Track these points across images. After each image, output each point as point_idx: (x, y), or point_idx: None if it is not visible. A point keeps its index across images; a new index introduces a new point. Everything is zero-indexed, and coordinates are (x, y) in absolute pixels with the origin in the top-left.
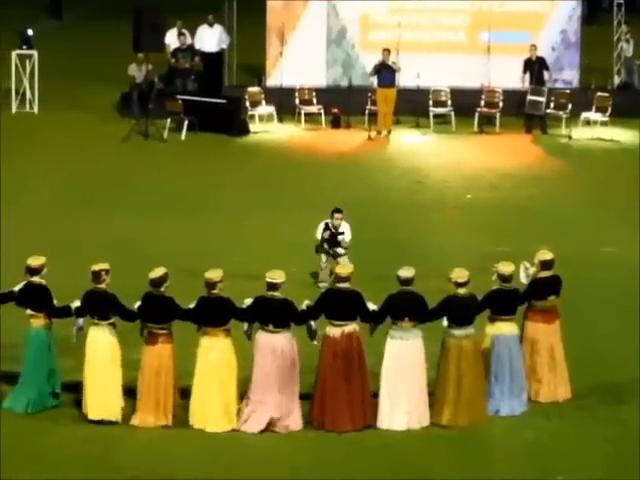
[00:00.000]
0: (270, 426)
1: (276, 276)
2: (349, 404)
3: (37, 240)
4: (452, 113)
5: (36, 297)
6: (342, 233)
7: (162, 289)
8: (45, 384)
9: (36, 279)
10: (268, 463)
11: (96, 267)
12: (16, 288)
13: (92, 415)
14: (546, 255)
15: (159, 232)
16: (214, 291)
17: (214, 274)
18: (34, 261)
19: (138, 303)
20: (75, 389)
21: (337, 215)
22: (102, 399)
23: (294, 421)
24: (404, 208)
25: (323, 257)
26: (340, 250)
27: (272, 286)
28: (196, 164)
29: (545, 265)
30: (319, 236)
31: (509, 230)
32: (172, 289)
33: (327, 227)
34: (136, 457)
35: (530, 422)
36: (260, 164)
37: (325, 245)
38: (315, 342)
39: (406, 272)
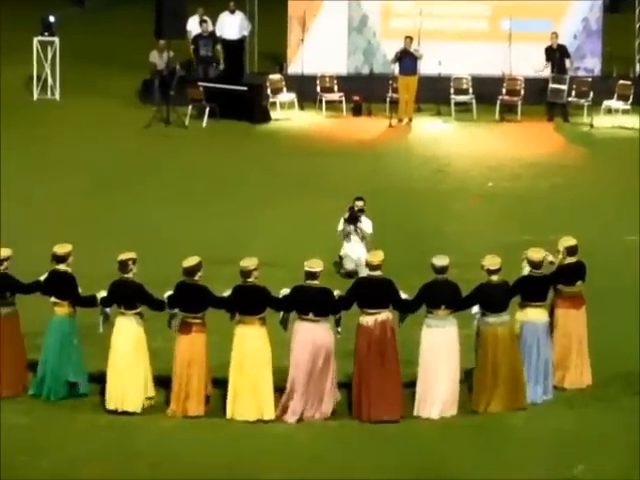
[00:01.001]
0: (306, 415)
1: (315, 265)
2: (384, 393)
3: (59, 227)
4: (473, 101)
5: (61, 285)
6: (362, 211)
7: (196, 278)
8: (67, 372)
9: (62, 267)
10: (289, 451)
11: (123, 257)
12: (42, 277)
13: (114, 405)
14: (570, 241)
15: (180, 219)
16: (249, 279)
17: (249, 262)
18: (60, 249)
19: (169, 292)
20: (98, 379)
21: (358, 203)
22: (126, 390)
23: (326, 409)
24: (425, 197)
25: (345, 245)
26: (360, 224)
27: (311, 275)
28: (217, 151)
29: (570, 251)
30: (339, 228)
31: (531, 219)
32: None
33: (345, 219)
34: (157, 444)
35: (554, 411)
36: (281, 151)
37: (346, 227)
38: (339, 330)
39: (441, 260)
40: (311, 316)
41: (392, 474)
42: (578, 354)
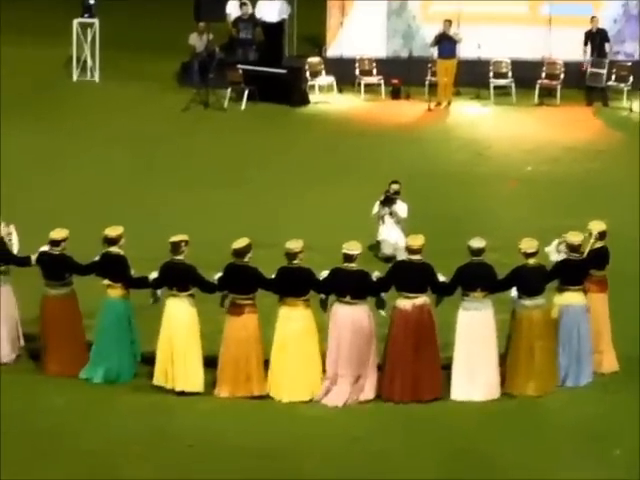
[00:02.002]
0: (351, 398)
1: (352, 247)
2: (419, 377)
3: (100, 209)
4: (512, 85)
5: (114, 267)
6: (398, 193)
7: (246, 259)
8: (123, 354)
9: (114, 249)
10: (326, 434)
11: (175, 238)
12: (95, 259)
13: (164, 382)
14: (602, 225)
15: (218, 202)
16: (295, 261)
17: (294, 244)
18: (112, 231)
19: (218, 274)
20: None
21: (394, 186)
22: (185, 370)
23: (368, 392)
24: (463, 180)
25: (382, 229)
26: (395, 207)
27: (349, 257)
28: (256, 134)
29: (602, 235)
30: (375, 211)
31: (569, 203)
32: (231, 259)
33: (380, 202)
34: (195, 426)
35: (589, 395)
36: (320, 135)
37: (381, 210)
38: (383, 313)
39: (478, 242)
40: (348, 299)
41: (428, 457)
42: (610, 338)
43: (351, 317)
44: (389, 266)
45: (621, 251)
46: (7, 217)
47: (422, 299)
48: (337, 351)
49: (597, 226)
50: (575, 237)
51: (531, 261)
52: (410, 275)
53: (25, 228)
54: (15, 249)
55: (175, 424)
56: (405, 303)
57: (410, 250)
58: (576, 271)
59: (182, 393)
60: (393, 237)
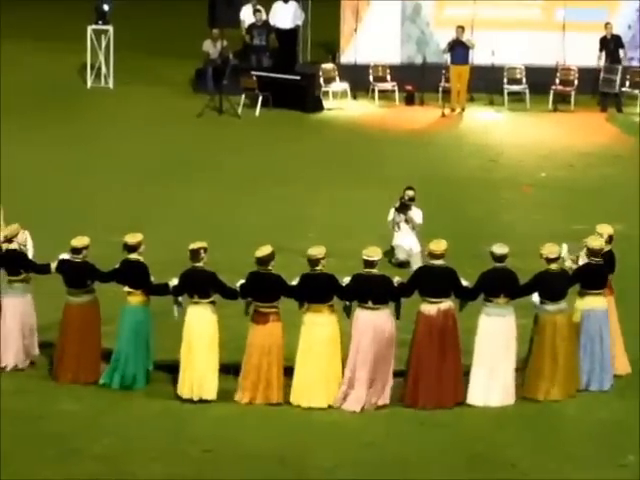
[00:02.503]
0: (369, 403)
1: (372, 253)
2: (443, 382)
3: (113, 215)
4: (527, 91)
5: (133, 274)
6: (413, 200)
7: (269, 267)
8: (141, 361)
9: (133, 256)
10: (341, 438)
11: (194, 245)
12: (116, 266)
13: (189, 394)
14: (610, 229)
15: (233, 207)
16: (317, 268)
17: (317, 251)
18: (131, 238)
19: (241, 281)
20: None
21: (409, 192)
22: (201, 378)
23: (384, 397)
24: (478, 186)
25: (397, 234)
26: (411, 214)
27: (369, 263)
28: (270, 140)
29: (611, 239)
30: (390, 217)
31: (583, 209)
32: (246, 264)
33: (396, 209)
34: (209, 431)
35: (604, 400)
36: (333, 141)
37: (396, 217)
38: (398, 318)
39: (500, 249)
40: (370, 304)
41: (443, 461)
42: (620, 341)
43: (373, 322)
44: (412, 271)
45: (636, 255)
46: (22, 223)
47: (447, 304)
48: (357, 355)
49: (607, 229)
50: (595, 242)
51: (553, 266)
52: (434, 280)
53: (40, 234)
54: (30, 255)
55: (190, 429)
56: (430, 308)
57: (433, 255)
58: (597, 275)
59: (196, 401)
60: (407, 243)
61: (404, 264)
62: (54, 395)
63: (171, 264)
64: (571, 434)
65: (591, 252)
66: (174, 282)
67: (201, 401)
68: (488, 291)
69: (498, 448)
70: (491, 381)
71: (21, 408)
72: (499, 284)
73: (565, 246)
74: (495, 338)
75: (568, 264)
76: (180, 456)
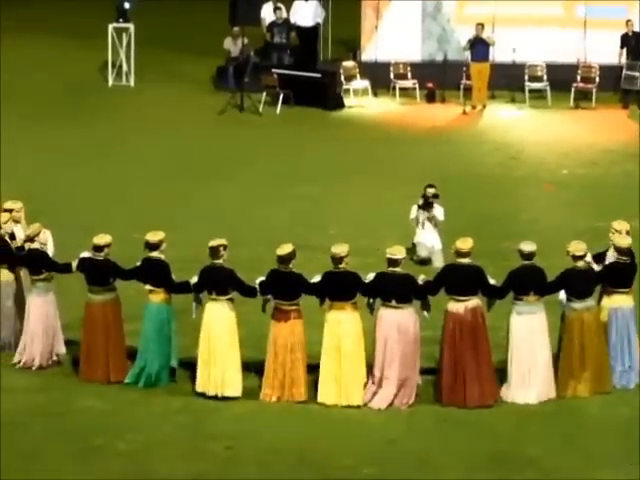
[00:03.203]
0: (397, 402)
1: (396, 252)
2: (478, 380)
3: (135, 213)
4: (548, 88)
5: (155, 272)
6: (437, 196)
7: (290, 265)
8: (166, 359)
9: (155, 254)
10: (362, 436)
11: (214, 243)
12: (137, 264)
13: (213, 391)
14: (626, 225)
15: (254, 204)
16: (341, 265)
17: (340, 249)
18: (153, 236)
19: (260, 278)
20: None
21: (430, 190)
22: (223, 375)
23: (410, 395)
24: (499, 183)
25: (419, 232)
26: (434, 211)
27: (393, 262)
28: (291, 138)
29: (628, 235)
30: (413, 215)
31: (605, 206)
32: (268, 262)
33: (419, 206)
34: (230, 428)
35: (627, 398)
36: (355, 138)
37: (420, 215)
38: (427, 316)
39: (529, 246)
40: (394, 303)
41: (465, 459)
42: None
43: (397, 321)
44: (434, 268)
45: None
46: (44, 222)
47: (474, 301)
48: (384, 354)
49: (623, 225)
50: (624, 240)
51: (580, 264)
52: (461, 278)
53: (63, 233)
54: (50, 255)
55: (212, 426)
56: (458, 306)
57: (459, 253)
58: (624, 274)
59: (220, 397)
60: (429, 240)
61: (426, 261)
62: (78, 392)
63: (194, 262)
64: (593, 432)
65: (618, 250)
66: (195, 280)
67: (225, 398)
68: (517, 289)
69: (520, 446)
70: (529, 378)
71: (45, 405)
72: (528, 282)
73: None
74: (527, 336)
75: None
76: (202, 453)
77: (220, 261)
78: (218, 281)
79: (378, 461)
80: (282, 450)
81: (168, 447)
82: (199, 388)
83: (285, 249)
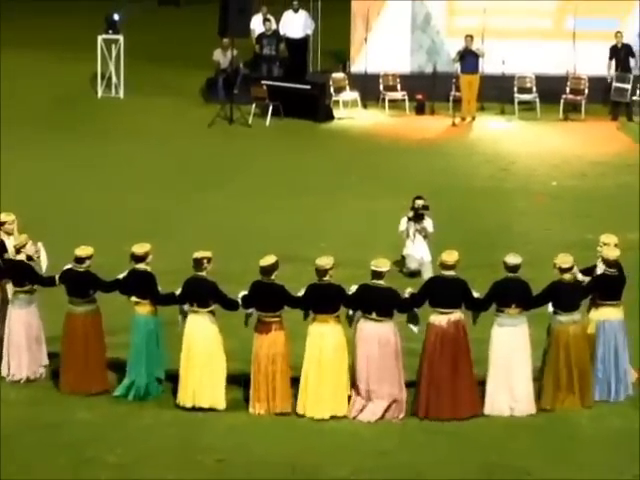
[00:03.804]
0: (386, 416)
1: (381, 264)
2: (456, 393)
3: (125, 224)
4: (537, 100)
5: (141, 284)
6: (427, 207)
7: (272, 277)
8: (153, 370)
9: (141, 266)
10: (354, 448)
11: (198, 255)
12: (121, 276)
13: (190, 402)
14: (615, 238)
15: (244, 217)
16: (325, 278)
17: (325, 261)
18: (139, 248)
19: (243, 292)
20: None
21: (418, 201)
22: (201, 386)
23: (400, 409)
24: (489, 195)
25: (408, 244)
26: (425, 223)
27: (377, 274)
28: (280, 150)
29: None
30: (402, 227)
31: (595, 218)
32: (258, 274)
33: (408, 218)
34: (222, 440)
35: (617, 410)
36: (344, 150)
37: (410, 227)
38: (415, 330)
39: (513, 259)
40: (374, 315)
41: (456, 472)
42: None
43: (377, 334)
44: (424, 282)
45: None
46: (34, 234)
47: (457, 314)
48: (367, 367)
49: (612, 239)
50: (611, 252)
51: (566, 276)
52: (444, 291)
53: (52, 245)
54: (43, 266)
55: (203, 438)
56: (440, 319)
57: (444, 266)
58: (613, 286)
59: (202, 409)
60: (418, 252)
61: (415, 274)
62: (68, 405)
63: (181, 274)
64: (584, 443)
65: (607, 263)
66: (178, 291)
67: (210, 410)
68: (499, 301)
69: (511, 457)
70: (508, 391)
71: (35, 418)
72: (511, 294)
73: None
74: (508, 348)
75: (580, 277)
76: (193, 465)
77: (203, 273)
78: (200, 293)
79: (369, 473)
80: (273, 462)
81: (158, 459)
82: (178, 401)
83: (268, 260)
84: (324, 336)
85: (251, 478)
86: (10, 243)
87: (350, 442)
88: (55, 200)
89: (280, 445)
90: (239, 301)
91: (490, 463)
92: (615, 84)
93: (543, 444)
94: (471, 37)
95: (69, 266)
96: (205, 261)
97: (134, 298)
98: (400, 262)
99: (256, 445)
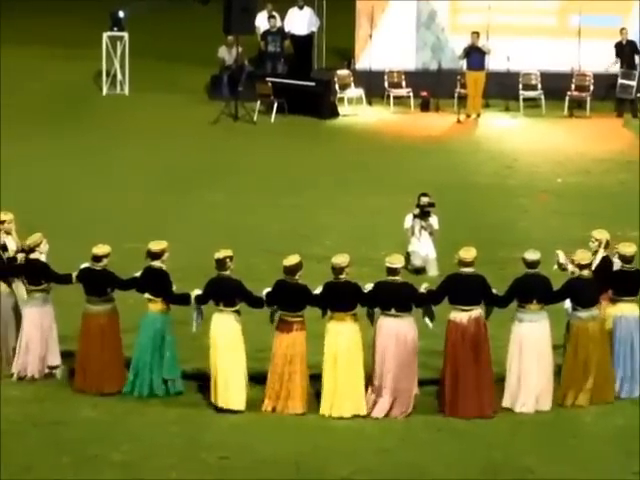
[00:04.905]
0: (395, 412)
1: (395, 260)
2: (480, 391)
3: (129, 223)
4: (542, 97)
5: (155, 282)
6: (433, 205)
7: (296, 277)
8: (159, 369)
9: (156, 264)
10: (358, 446)
11: (220, 254)
12: (137, 274)
13: (220, 403)
14: (606, 234)
15: (249, 214)
16: (341, 276)
17: (341, 259)
18: (155, 246)
19: (267, 289)
20: (193, 376)
21: (424, 199)
22: (227, 388)
23: (407, 405)
24: (493, 192)
25: (414, 241)
26: (431, 220)
27: (392, 271)
28: (285, 147)
29: (607, 245)
30: (408, 225)
31: (600, 215)
32: (262, 271)
33: (414, 215)
34: (225, 439)
35: (621, 408)
36: (349, 147)
37: (415, 224)
38: (431, 325)
39: (532, 255)
40: (393, 311)
41: (461, 469)
42: None
43: (396, 330)
44: (442, 278)
45: None
46: (35, 232)
47: (477, 311)
48: (382, 364)
49: (602, 235)
50: (628, 248)
51: (585, 272)
52: (464, 287)
53: (57, 243)
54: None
55: (207, 436)
56: (461, 316)
57: (463, 263)
58: (629, 282)
59: (223, 410)
60: (423, 249)
61: (420, 270)
62: (72, 403)
63: (186, 271)
64: (588, 442)
65: (623, 259)
66: (196, 292)
67: (229, 411)
68: (521, 297)
69: (515, 455)
70: (527, 388)
71: (40, 415)
72: (532, 290)
73: (561, 253)
74: (528, 344)
75: (570, 269)
76: (197, 463)
77: (227, 272)
78: (226, 292)
79: (373, 471)
80: (277, 461)
81: (163, 457)
82: (212, 399)
83: (292, 260)
84: (340, 334)
85: (255, 476)
86: (10, 242)
87: (354, 440)
88: (60, 197)
89: (284, 443)
90: (264, 298)
91: (494, 461)
92: (620, 81)
93: (547, 442)
94: (477, 34)
95: (86, 265)
96: (228, 260)
97: (147, 295)
98: (405, 259)
99: (260, 443)
